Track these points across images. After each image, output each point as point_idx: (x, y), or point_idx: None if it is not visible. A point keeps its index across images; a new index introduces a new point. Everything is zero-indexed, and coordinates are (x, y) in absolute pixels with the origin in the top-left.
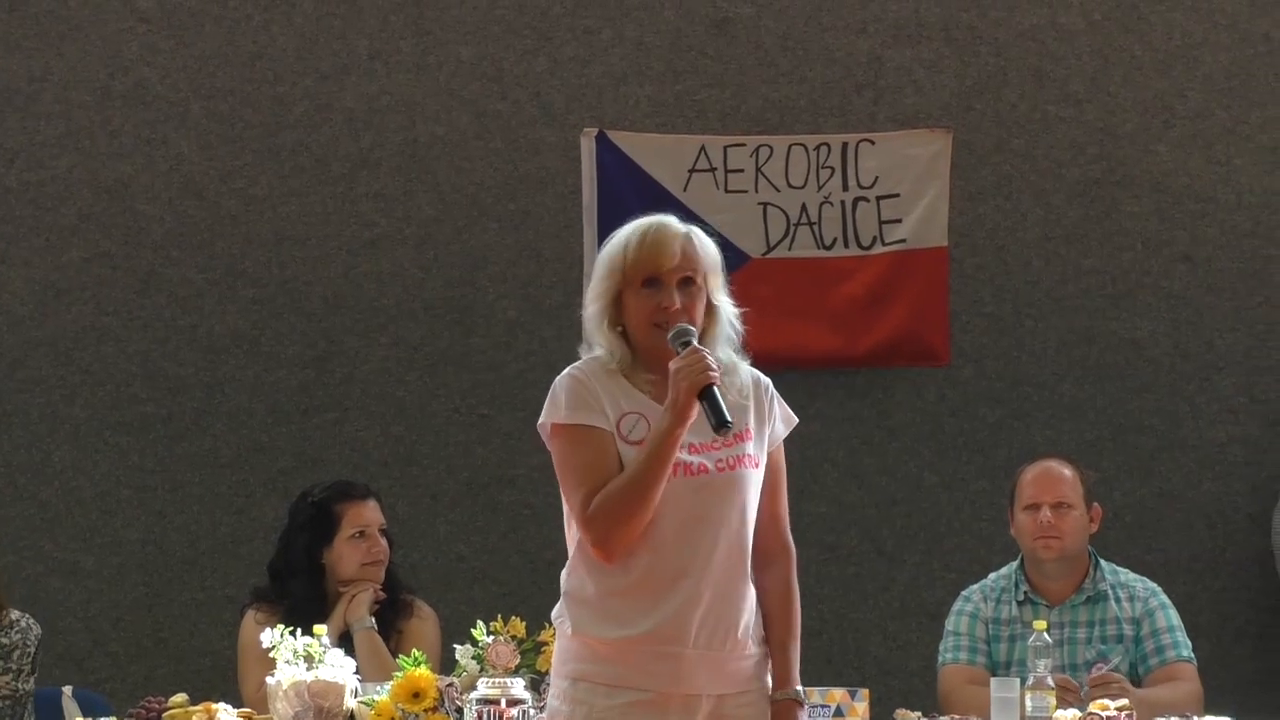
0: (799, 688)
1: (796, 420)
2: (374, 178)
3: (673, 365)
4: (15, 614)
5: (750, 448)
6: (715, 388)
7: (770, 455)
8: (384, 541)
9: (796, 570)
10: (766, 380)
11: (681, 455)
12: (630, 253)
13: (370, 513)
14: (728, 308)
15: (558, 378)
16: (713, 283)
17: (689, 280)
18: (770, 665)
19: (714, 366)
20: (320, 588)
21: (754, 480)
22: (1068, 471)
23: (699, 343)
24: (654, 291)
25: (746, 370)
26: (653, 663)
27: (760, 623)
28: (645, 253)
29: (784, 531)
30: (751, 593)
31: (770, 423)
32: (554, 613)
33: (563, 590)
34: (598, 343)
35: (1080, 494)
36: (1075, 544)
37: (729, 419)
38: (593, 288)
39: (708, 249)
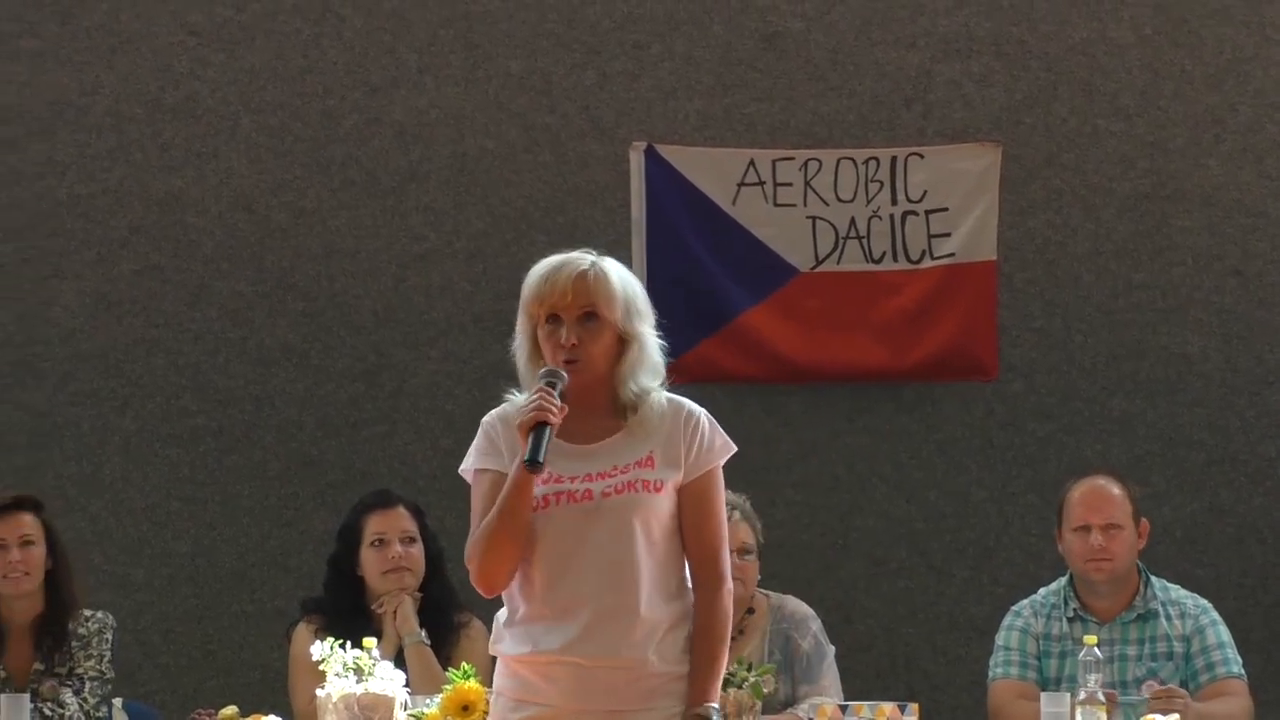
0: (710, 704)
1: (734, 449)
2: (423, 191)
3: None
4: (88, 612)
5: (650, 473)
6: (549, 427)
7: (692, 483)
8: (402, 548)
9: (730, 599)
10: (695, 410)
11: (568, 484)
12: (531, 291)
13: (392, 520)
14: (647, 338)
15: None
16: (623, 315)
17: (590, 315)
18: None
19: (553, 407)
20: (360, 599)
21: (652, 504)
22: (1116, 490)
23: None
24: (555, 328)
25: (665, 399)
26: (552, 678)
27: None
28: (545, 290)
29: (709, 559)
30: (672, 614)
31: (689, 451)
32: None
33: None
34: (526, 382)
35: (1129, 512)
36: (1125, 563)
37: (539, 459)
38: (517, 326)
39: (613, 282)
